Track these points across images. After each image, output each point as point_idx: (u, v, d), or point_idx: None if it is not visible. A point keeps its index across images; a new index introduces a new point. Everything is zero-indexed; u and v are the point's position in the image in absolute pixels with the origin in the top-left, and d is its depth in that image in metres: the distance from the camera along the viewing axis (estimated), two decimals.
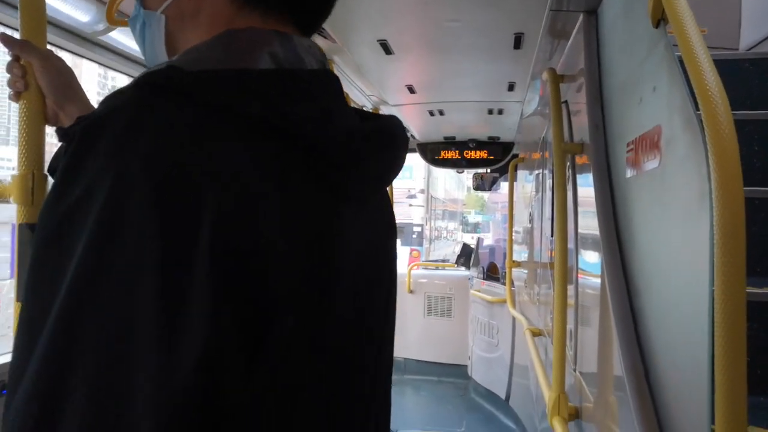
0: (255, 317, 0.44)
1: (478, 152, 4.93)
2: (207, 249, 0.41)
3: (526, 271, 3.76)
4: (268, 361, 0.45)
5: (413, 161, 5.30)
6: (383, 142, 0.59)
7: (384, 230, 0.65)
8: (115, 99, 0.46)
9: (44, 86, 0.81)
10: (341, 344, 0.54)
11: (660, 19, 1.15)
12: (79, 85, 0.84)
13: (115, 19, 1.27)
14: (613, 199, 1.54)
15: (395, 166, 0.62)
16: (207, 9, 0.56)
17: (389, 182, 0.65)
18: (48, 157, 0.83)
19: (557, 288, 1.83)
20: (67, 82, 0.82)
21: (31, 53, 0.81)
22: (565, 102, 2.16)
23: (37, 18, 0.85)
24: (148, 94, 0.46)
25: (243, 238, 0.44)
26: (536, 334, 2.86)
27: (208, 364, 0.40)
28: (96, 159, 0.42)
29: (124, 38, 1.99)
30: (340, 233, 0.53)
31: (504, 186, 5.67)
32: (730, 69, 2.01)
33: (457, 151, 4.95)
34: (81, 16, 1.78)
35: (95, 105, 0.51)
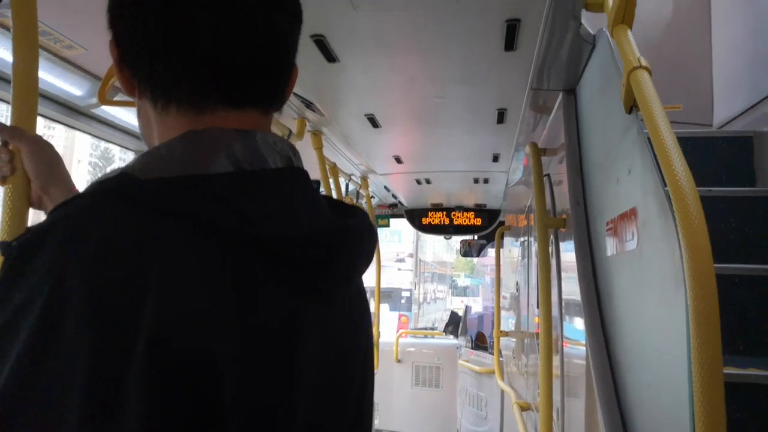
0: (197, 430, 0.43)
1: (465, 219, 4.99)
2: (142, 366, 0.41)
3: (514, 341, 3.72)
4: None
5: (401, 226, 5.34)
6: (351, 244, 0.58)
7: (355, 326, 0.63)
8: (63, 208, 0.46)
9: (31, 171, 0.82)
10: None
11: (632, 106, 1.20)
12: (65, 170, 0.86)
13: (107, 100, 1.30)
14: (595, 274, 1.55)
15: (362, 265, 0.61)
16: (148, 115, 0.56)
17: (357, 279, 0.63)
18: None
19: (542, 366, 1.82)
20: (53, 167, 0.84)
21: (21, 139, 0.82)
22: (548, 175, 2.21)
23: (29, 95, 0.87)
24: (98, 203, 0.46)
25: (185, 352, 0.42)
26: (525, 408, 2.79)
27: None
28: (34, 273, 0.43)
29: (116, 111, 2.03)
30: (302, 337, 0.51)
31: (492, 250, 5.70)
32: (705, 146, 2.08)
33: (444, 218, 5.01)
34: (75, 90, 1.83)
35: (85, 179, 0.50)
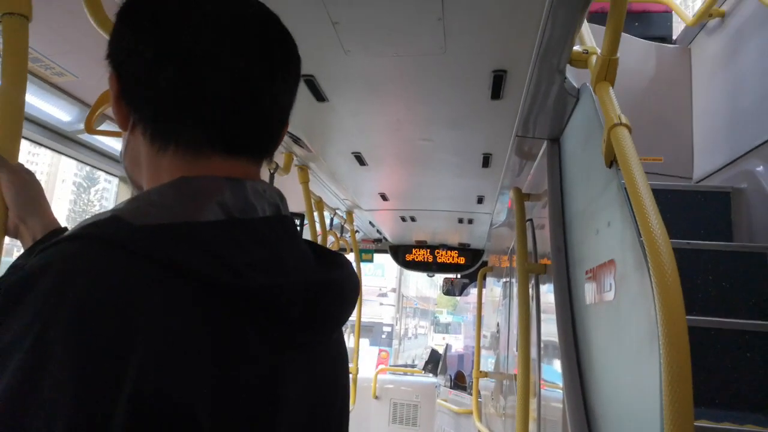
0: None
1: (448, 257, 5.00)
2: (124, 422, 0.40)
3: (493, 381, 3.70)
4: None
5: (384, 260, 5.33)
6: (335, 297, 0.59)
7: (333, 375, 0.63)
8: (52, 252, 0.46)
9: (9, 200, 0.81)
10: None
11: (612, 161, 1.23)
12: (45, 200, 0.85)
13: (93, 129, 1.30)
14: (574, 321, 1.56)
15: (344, 317, 0.62)
16: (138, 149, 0.57)
17: (338, 329, 0.64)
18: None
19: (519, 410, 1.81)
20: (32, 197, 0.83)
21: (1, 168, 0.81)
22: (531, 220, 2.24)
23: (13, 122, 0.87)
24: (87, 249, 0.46)
25: (166, 409, 0.42)
26: None
27: None
28: (22, 317, 0.42)
29: (103, 137, 2.03)
30: (281, 390, 0.52)
31: (475, 289, 5.71)
32: (684, 200, 2.12)
33: (428, 255, 5.02)
34: (62, 115, 1.83)
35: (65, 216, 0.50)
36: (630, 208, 1.06)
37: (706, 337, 1.61)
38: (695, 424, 1.30)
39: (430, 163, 2.56)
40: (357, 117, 2.00)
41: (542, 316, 1.92)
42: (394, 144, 2.31)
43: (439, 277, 5.98)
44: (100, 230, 0.47)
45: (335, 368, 0.63)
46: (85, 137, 2.00)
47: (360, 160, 2.48)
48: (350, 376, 0.71)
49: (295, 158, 2.53)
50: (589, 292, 1.41)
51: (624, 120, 1.16)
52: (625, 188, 1.08)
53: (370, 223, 4.27)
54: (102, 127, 1.67)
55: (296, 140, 2.27)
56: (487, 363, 4.04)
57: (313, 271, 0.58)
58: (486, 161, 2.42)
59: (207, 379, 0.45)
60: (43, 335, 0.41)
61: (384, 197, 3.29)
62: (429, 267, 5.08)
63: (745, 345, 1.60)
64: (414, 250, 5.04)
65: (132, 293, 0.44)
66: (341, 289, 0.60)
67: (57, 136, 1.91)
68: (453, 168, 2.61)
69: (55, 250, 0.46)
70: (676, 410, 0.79)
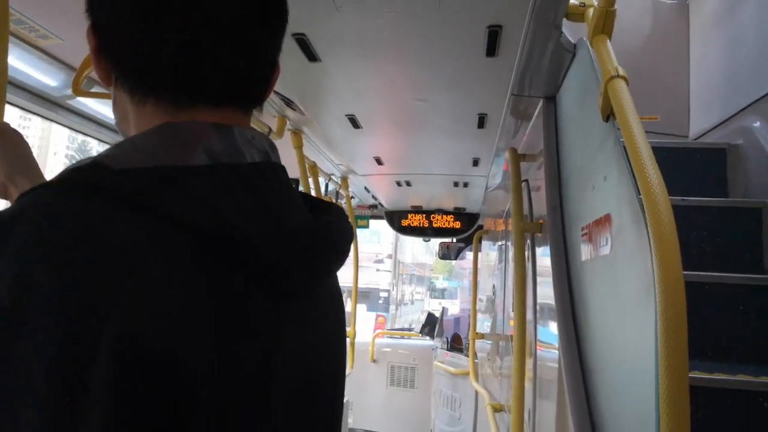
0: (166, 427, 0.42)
1: (444, 222, 5.01)
2: (107, 362, 0.40)
3: (489, 343, 3.75)
4: None
5: (381, 227, 5.34)
6: (327, 243, 0.58)
7: (330, 326, 0.62)
8: (32, 196, 0.45)
9: None
10: None
11: (609, 114, 1.22)
12: (33, 160, 0.83)
13: (80, 90, 1.28)
14: (570, 279, 1.57)
15: (337, 264, 0.61)
16: (124, 106, 0.56)
17: (332, 276, 0.63)
18: None
19: (515, 369, 1.83)
20: (20, 156, 0.81)
21: None
22: (526, 181, 2.23)
23: None
24: (68, 193, 0.45)
25: (152, 352, 0.42)
26: (497, 409, 2.81)
27: None
28: (0, 261, 0.42)
29: (93, 103, 2.00)
30: (278, 339, 0.51)
31: (470, 254, 5.75)
32: (681, 157, 2.12)
33: (424, 221, 5.03)
34: (49, 80, 1.79)
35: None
36: (627, 162, 1.06)
37: (700, 292, 1.63)
38: (689, 374, 1.33)
39: (425, 125, 2.54)
40: (350, 78, 1.97)
41: (538, 278, 1.94)
42: (389, 105, 2.29)
43: (435, 243, 6.01)
44: (80, 175, 0.46)
45: (331, 317, 0.63)
46: (75, 103, 1.97)
47: (354, 122, 2.46)
48: (347, 338, 0.71)
49: (288, 122, 2.50)
50: (585, 248, 1.41)
51: (621, 72, 1.15)
52: (622, 142, 1.07)
53: (365, 188, 4.26)
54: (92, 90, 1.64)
55: (289, 103, 2.24)
56: (484, 326, 4.09)
57: (304, 217, 0.56)
58: (481, 122, 2.40)
59: (199, 325, 0.45)
60: (25, 276, 0.41)
61: (379, 161, 3.27)
62: (425, 232, 5.09)
63: (738, 299, 1.62)
64: (410, 216, 5.04)
65: (115, 237, 0.43)
66: (335, 235, 0.59)
67: (45, 102, 1.88)
68: (448, 129, 2.59)
69: (34, 194, 0.45)
70: (671, 359, 0.80)
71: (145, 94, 0.54)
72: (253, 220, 0.49)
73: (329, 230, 0.58)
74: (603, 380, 1.26)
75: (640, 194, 0.95)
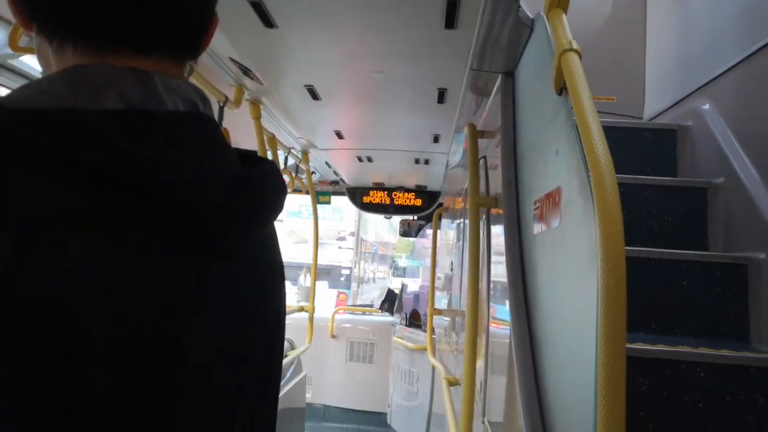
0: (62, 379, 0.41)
1: (405, 200, 5.03)
2: None
3: (447, 319, 3.81)
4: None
5: (343, 203, 5.33)
6: (254, 196, 0.55)
7: (263, 284, 0.60)
8: None
9: None
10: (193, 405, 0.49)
11: (562, 88, 1.23)
12: None
13: (18, 46, 1.21)
14: (522, 254, 1.59)
15: (266, 220, 0.58)
16: (47, 53, 0.53)
17: (259, 234, 0.59)
18: None
19: (467, 339, 1.86)
20: None
21: None
22: (484, 157, 2.24)
23: None
24: None
25: (30, 302, 0.40)
26: (453, 383, 2.87)
27: None
28: None
29: (36, 63, 1.91)
30: (189, 293, 0.48)
31: (431, 232, 5.79)
32: (633, 137, 2.16)
33: (386, 197, 5.03)
34: None
35: None
36: (577, 135, 1.07)
37: (647, 268, 1.67)
38: (631, 346, 1.37)
39: (384, 98, 2.52)
40: (308, 46, 1.93)
41: (493, 257, 1.96)
42: (348, 76, 2.25)
43: (398, 222, 6.03)
44: None
45: (264, 275, 0.61)
46: (17, 63, 1.87)
47: (313, 93, 2.42)
48: (286, 299, 0.69)
49: (246, 92, 2.45)
50: (537, 222, 1.43)
51: (575, 46, 1.15)
52: (574, 116, 1.08)
53: (326, 164, 4.22)
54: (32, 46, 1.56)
55: (246, 71, 2.19)
56: (441, 303, 4.14)
57: (227, 169, 0.53)
58: (441, 97, 2.40)
59: (101, 288, 0.42)
60: None
61: (339, 135, 3.24)
62: (386, 209, 5.10)
63: (682, 275, 1.68)
64: (371, 192, 5.04)
65: (4, 179, 0.41)
66: (263, 187, 0.56)
67: None
68: (408, 104, 2.58)
69: None
70: (609, 326, 0.81)
71: (63, 38, 0.50)
72: (170, 169, 0.47)
73: (254, 182, 0.55)
74: (550, 351, 1.29)
75: (586, 167, 0.96)
